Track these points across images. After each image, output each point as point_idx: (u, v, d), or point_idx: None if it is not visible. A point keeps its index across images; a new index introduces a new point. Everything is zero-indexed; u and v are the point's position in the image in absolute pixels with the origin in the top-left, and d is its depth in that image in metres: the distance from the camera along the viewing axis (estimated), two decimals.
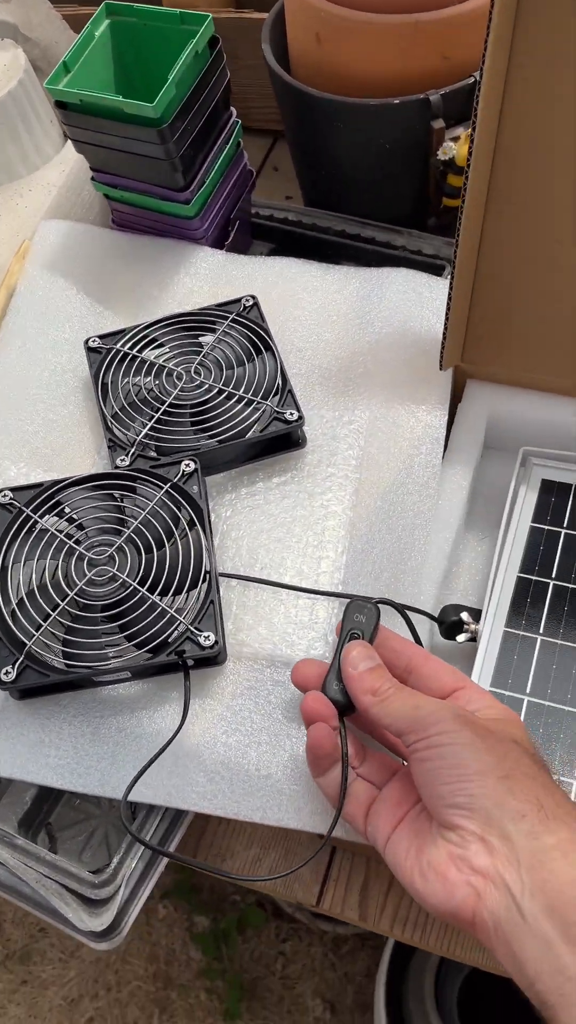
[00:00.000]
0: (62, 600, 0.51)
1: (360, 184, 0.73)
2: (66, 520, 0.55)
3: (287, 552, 0.56)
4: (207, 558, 0.52)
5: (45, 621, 0.51)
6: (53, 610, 0.51)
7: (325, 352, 0.65)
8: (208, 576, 0.52)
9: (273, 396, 0.59)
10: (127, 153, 0.63)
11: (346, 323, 0.66)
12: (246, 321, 0.63)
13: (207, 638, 0.50)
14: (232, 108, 0.68)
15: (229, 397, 0.59)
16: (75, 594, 0.51)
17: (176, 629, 0.50)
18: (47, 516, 0.55)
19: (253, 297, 0.64)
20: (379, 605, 0.49)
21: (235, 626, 0.54)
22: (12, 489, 0.56)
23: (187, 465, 0.56)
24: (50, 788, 0.55)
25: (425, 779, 0.41)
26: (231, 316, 0.63)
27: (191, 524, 0.54)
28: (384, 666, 0.46)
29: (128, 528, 0.53)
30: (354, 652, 0.46)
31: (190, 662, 0.51)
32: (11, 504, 0.55)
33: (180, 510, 0.54)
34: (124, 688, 0.53)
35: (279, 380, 0.59)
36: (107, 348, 0.62)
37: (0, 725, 0.52)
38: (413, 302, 0.65)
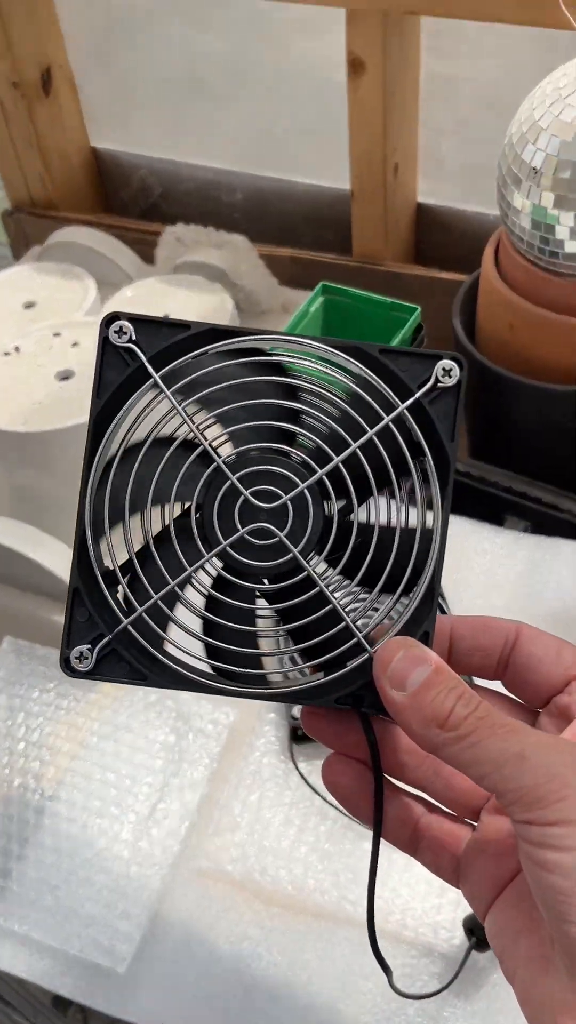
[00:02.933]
0: (198, 557, 0.31)
1: (533, 449, 0.77)
2: (212, 414, 0.32)
3: None
4: (433, 557, 0.31)
5: (163, 584, 0.31)
6: (180, 569, 0.31)
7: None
8: (430, 586, 0.31)
9: None
10: None
11: (514, 590, 0.68)
12: None
13: None
14: None
15: None
16: (216, 553, 0.31)
17: (360, 658, 0.31)
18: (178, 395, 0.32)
19: None
20: None
21: None
22: (134, 320, 0.32)
23: (447, 366, 0.32)
24: None
25: (545, 897, 0.26)
26: None
27: (424, 483, 0.31)
28: (450, 669, 0.29)
29: (321, 467, 0.31)
30: (398, 653, 0.29)
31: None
32: (129, 349, 0.32)
33: (412, 455, 0.31)
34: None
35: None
36: None
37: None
38: None
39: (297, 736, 0.61)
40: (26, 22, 0.95)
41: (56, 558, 0.65)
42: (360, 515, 0.32)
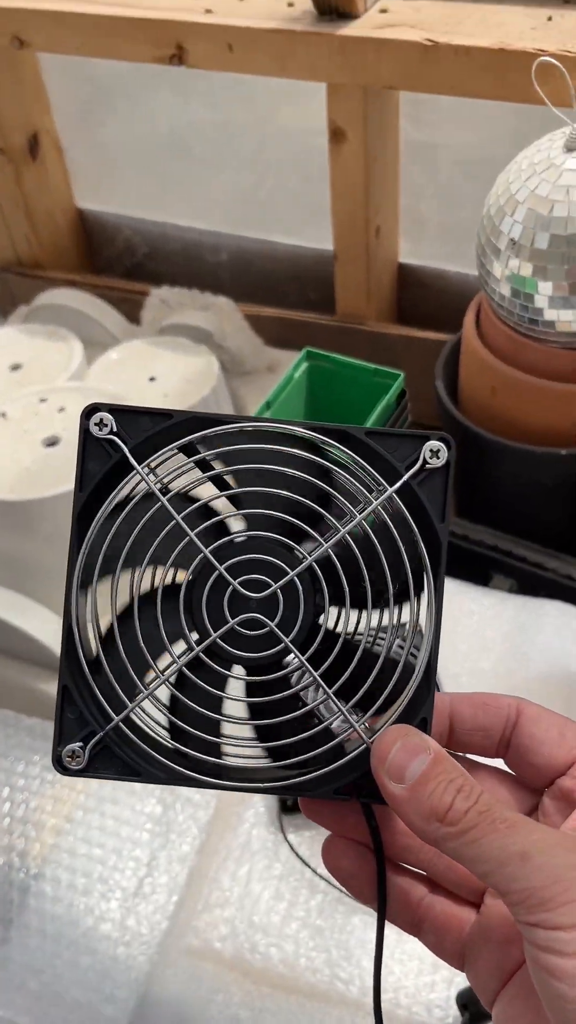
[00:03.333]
0: (186, 649, 0.31)
1: (516, 509, 0.77)
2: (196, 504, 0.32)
3: None
4: (428, 639, 0.31)
5: (151, 676, 0.31)
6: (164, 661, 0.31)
7: (481, 681, 0.67)
8: (423, 682, 0.30)
9: None
10: None
11: (501, 652, 0.68)
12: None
13: None
14: None
15: None
16: (206, 646, 0.31)
17: (357, 748, 0.31)
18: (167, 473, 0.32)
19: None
20: None
21: None
22: (114, 410, 0.32)
23: (435, 447, 0.31)
24: None
25: (552, 1003, 0.25)
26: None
27: (417, 578, 0.31)
28: (450, 758, 0.28)
29: (310, 553, 0.31)
30: (396, 743, 0.28)
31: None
32: (111, 440, 0.32)
33: (402, 543, 0.31)
34: None
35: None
36: None
37: None
38: (569, 640, 0.67)
39: (286, 806, 0.60)
40: (13, 90, 0.97)
41: (42, 625, 0.65)
42: (352, 615, 0.32)
